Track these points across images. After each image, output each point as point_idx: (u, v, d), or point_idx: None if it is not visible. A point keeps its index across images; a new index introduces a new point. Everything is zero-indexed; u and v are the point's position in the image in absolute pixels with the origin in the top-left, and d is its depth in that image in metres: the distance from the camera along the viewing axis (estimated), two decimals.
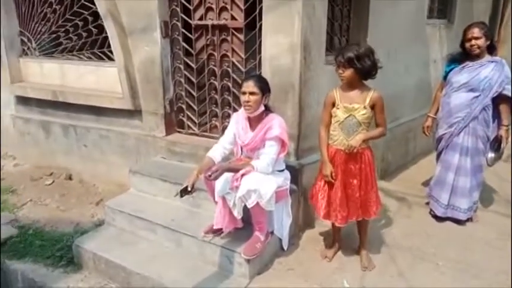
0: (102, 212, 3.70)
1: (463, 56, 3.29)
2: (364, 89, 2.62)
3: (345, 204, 2.72)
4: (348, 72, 2.54)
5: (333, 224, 2.89)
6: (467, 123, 3.23)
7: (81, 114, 4.38)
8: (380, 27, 3.77)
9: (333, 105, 2.67)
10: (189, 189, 2.60)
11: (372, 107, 2.61)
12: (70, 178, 4.60)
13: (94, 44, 4.19)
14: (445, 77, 3.43)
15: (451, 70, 3.34)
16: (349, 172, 2.70)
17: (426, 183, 3.93)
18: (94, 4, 3.88)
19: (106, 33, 3.88)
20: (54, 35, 4.52)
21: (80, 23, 4.21)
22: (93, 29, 4.12)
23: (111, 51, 3.95)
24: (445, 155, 3.38)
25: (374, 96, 2.59)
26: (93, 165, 4.42)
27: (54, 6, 4.35)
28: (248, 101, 2.64)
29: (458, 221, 3.40)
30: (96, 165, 4.40)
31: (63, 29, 4.39)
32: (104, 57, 4.13)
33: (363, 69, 2.52)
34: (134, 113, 3.98)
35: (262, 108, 2.69)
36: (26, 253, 3.35)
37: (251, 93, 2.63)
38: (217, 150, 2.83)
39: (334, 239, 3.00)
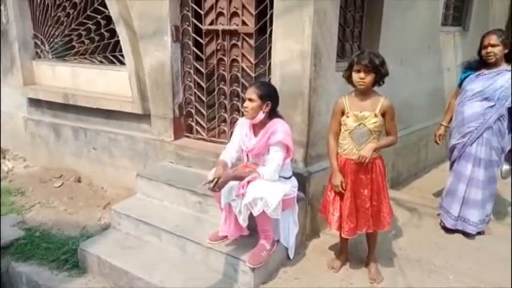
0: (109, 216, 3.69)
1: (480, 63, 3.20)
2: (374, 97, 2.55)
3: (353, 215, 2.64)
4: (370, 78, 2.47)
5: (340, 234, 2.82)
6: (480, 133, 3.13)
7: (91, 118, 4.41)
8: (393, 34, 3.71)
9: (342, 113, 2.61)
10: (214, 183, 2.54)
11: (383, 114, 2.54)
12: (79, 181, 4.62)
13: (106, 48, 4.21)
14: (460, 85, 3.34)
15: (466, 77, 3.25)
16: (360, 182, 2.62)
17: (438, 194, 3.83)
18: (107, 8, 3.91)
19: (118, 37, 3.91)
20: (67, 39, 4.57)
21: (93, 27, 4.25)
22: (105, 33, 4.14)
23: (122, 55, 3.97)
24: (458, 166, 3.29)
25: (385, 104, 2.53)
26: (102, 168, 4.43)
27: (67, 10, 4.39)
28: (245, 107, 2.67)
29: (468, 234, 3.29)
30: (105, 168, 4.41)
31: (76, 33, 4.44)
32: (115, 61, 4.15)
33: (383, 75, 2.49)
34: (143, 117, 3.98)
35: (261, 115, 2.65)
36: (32, 255, 3.35)
37: (249, 99, 2.64)
38: (225, 157, 2.81)
39: (341, 249, 2.93)
